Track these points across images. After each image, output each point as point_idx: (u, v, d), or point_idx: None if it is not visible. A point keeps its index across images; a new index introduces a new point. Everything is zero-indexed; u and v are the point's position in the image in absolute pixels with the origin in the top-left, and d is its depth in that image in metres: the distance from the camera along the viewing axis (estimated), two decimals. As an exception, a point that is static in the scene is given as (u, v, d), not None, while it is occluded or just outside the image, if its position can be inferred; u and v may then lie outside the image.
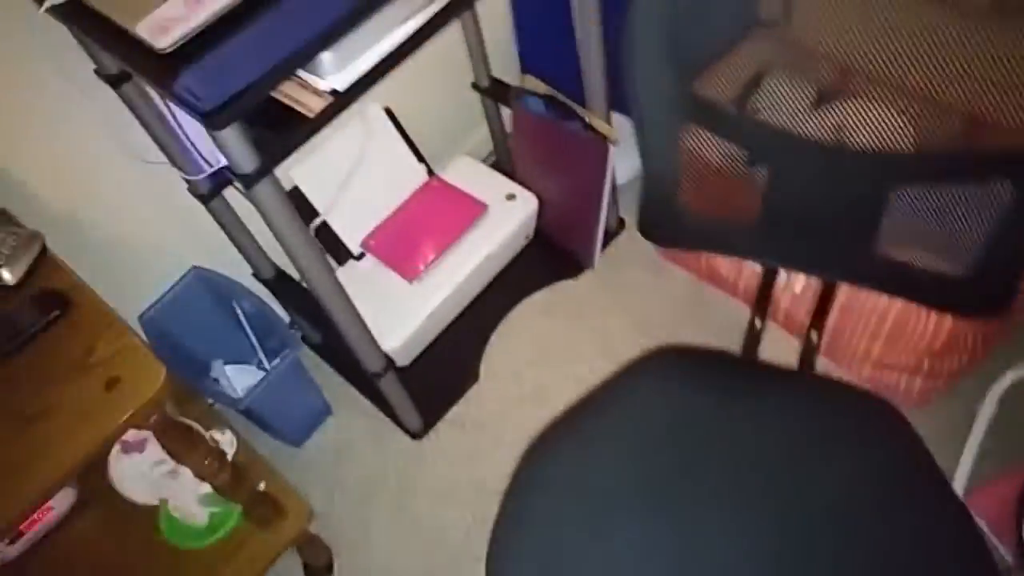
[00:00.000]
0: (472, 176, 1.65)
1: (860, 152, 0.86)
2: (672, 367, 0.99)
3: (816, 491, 0.87)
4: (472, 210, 1.57)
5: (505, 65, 1.76)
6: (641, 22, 0.80)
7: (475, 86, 1.65)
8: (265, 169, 0.93)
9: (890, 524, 0.83)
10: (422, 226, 1.57)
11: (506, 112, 1.69)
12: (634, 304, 1.66)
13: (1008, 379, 1.36)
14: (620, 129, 1.51)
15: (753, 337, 1.07)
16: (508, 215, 1.59)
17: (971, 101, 0.76)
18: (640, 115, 0.86)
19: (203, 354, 1.53)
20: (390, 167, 1.59)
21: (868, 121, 1.12)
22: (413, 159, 1.61)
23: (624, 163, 1.68)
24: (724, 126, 0.89)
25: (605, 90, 1.44)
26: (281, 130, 0.97)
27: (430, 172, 1.64)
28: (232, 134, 0.87)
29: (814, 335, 1.05)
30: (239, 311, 1.50)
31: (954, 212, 0.85)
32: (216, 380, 1.52)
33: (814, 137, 0.88)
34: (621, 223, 1.77)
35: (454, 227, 1.55)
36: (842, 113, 1.17)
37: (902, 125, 0.89)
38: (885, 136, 0.87)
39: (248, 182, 0.93)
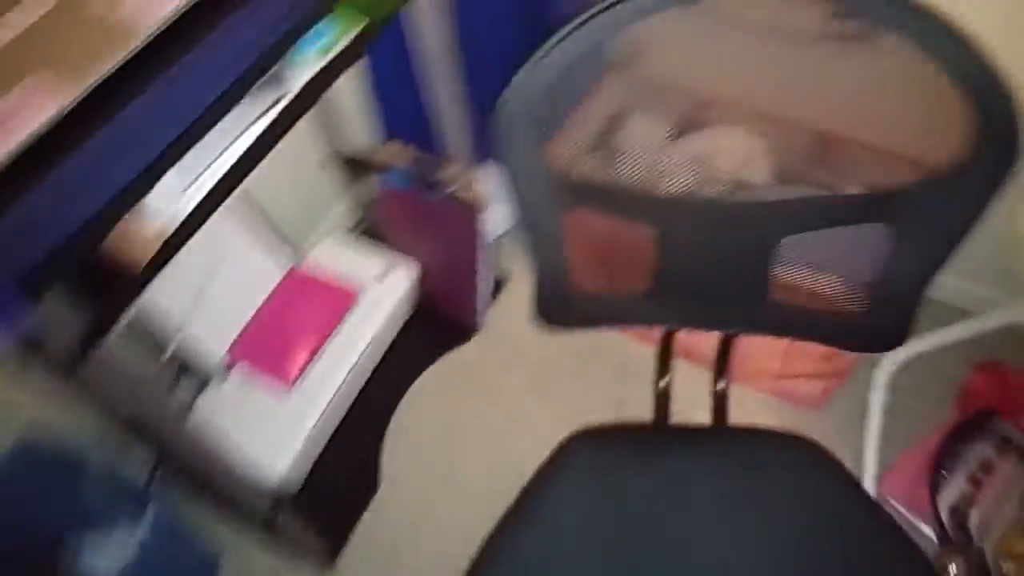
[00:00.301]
0: (341, 257, 1.55)
1: (742, 205, 0.83)
2: (585, 455, 0.94)
3: (755, 542, 0.85)
4: (343, 299, 1.47)
5: (368, 131, 1.67)
6: (511, 120, 0.73)
7: (332, 163, 1.55)
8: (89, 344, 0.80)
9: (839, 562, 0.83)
10: (292, 324, 1.45)
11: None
12: (530, 358, 1.61)
13: (888, 363, 1.40)
14: (489, 180, 1.46)
15: (662, 398, 1.03)
16: (384, 294, 1.50)
17: (819, 119, 0.79)
18: (521, 209, 0.80)
19: (53, 529, 1.32)
20: (247, 262, 1.46)
21: (726, 147, 1.11)
22: (272, 250, 1.48)
23: (503, 217, 1.64)
24: (605, 201, 0.84)
25: (469, 149, 1.38)
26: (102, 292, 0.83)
27: (294, 261, 1.52)
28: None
29: (720, 385, 1.03)
30: (86, 473, 1.31)
31: (840, 255, 0.85)
32: (75, 555, 1.32)
33: (697, 195, 0.85)
34: (504, 278, 1.71)
35: (327, 320, 1.45)
36: (701, 143, 1.16)
37: (759, 147, 0.89)
38: (743, 161, 0.86)
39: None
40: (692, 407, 1.05)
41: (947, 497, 1.28)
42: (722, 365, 1.03)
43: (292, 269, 1.52)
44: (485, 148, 1.48)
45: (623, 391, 1.52)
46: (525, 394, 1.56)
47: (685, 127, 1.15)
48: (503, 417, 1.54)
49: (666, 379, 1.03)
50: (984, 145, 0.68)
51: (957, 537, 1.25)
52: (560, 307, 0.90)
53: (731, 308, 0.92)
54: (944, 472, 1.30)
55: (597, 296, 0.91)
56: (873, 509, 0.88)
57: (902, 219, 0.77)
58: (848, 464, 1.40)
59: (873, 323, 0.84)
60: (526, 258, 0.85)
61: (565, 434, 1.48)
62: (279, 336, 1.44)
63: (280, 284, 1.50)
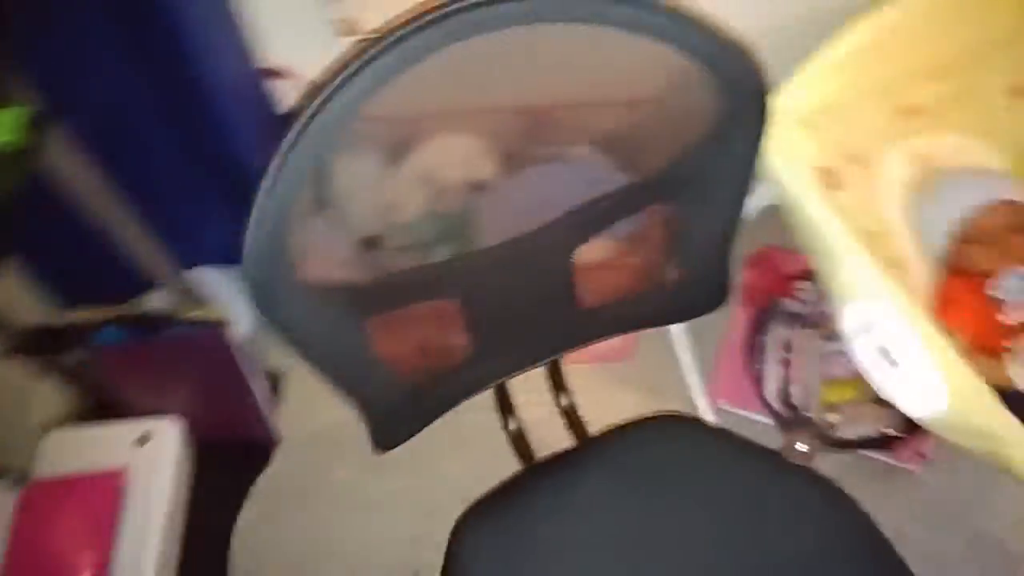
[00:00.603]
0: (80, 446, 1.28)
1: (527, 237, 0.78)
2: (488, 526, 0.85)
3: (702, 530, 0.83)
4: (110, 483, 1.23)
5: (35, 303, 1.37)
6: (265, 280, 0.60)
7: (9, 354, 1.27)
8: None
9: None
10: (60, 542, 1.19)
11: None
12: (349, 443, 1.47)
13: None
14: (211, 284, 1.28)
15: (519, 441, 0.97)
16: (155, 456, 1.28)
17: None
18: (321, 362, 0.68)
19: None
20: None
21: (445, 156, 1.07)
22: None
23: (247, 306, 1.45)
24: (393, 296, 0.74)
25: (167, 270, 1.20)
26: None
27: (22, 479, 1.24)
28: None
29: (565, 402, 0.99)
30: None
31: (635, 242, 0.83)
32: None
33: (480, 248, 0.78)
34: (278, 374, 1.53)
35: (103, 514, 1.20)
36: (419, 162, 1.10)
37: (476, 144, 0.86)
38: (467, 162, 0.84)
39: None
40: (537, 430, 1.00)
41: (769, 385, 1.38)
42: (558, 382, 1.00)
43: (28, 487, 1.24)
44: (182, 257, 1.30)
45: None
46: (364, 478, 1.44)
47: (398, 152, 1.08)
48: (357, 508, 1.41)
49: (514, 422, 0.97)
50: (736, 106, 0.68)
51: (790, 415, 1.36)
52: (396, 425, 0.80)
53: (550, 335, 0.88)
54: (757, 365, 1.40)
55: (422, 389, 0.82)
56: (761, 453, 0.90)
57: (683, 193, 0.76)
58: (679, 393, 1.48)
59: (692, 289, 0.85)
60: (347, 400, 0.74)
61: (432, 499, 1.40)
62: (52, 564, 1.18)
63: (20, 511, 1.21)
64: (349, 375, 0.71)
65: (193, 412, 1.34)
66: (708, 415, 1.41)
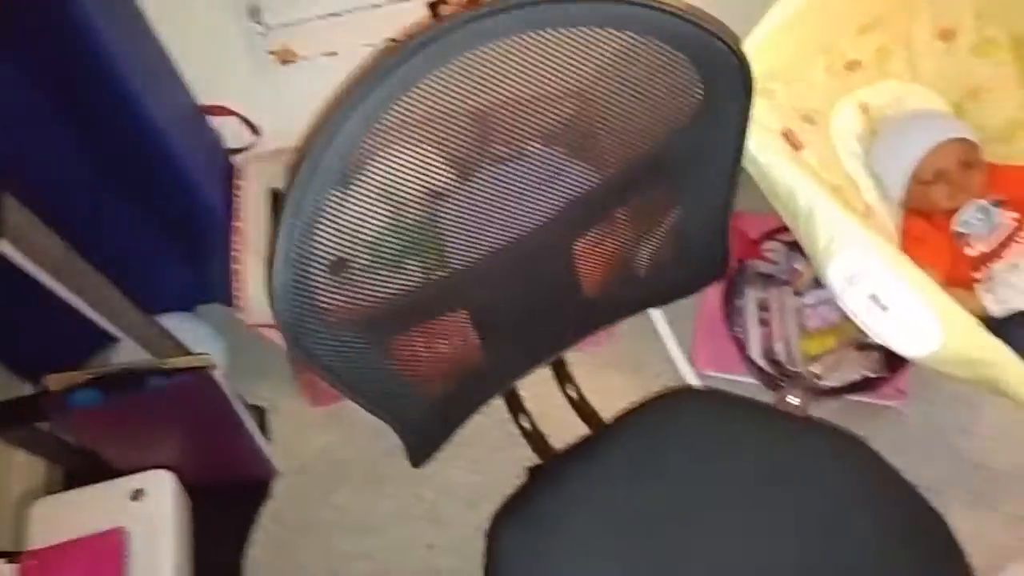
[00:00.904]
0: (71, 508, 1.24)
1: (527, 237, 0.78)
2: (516, 528, 0.85)
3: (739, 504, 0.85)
4: (111, 541, 1.19)
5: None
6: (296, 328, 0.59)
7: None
8: None
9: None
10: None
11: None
12: (350, 466, 1.46)
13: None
14: (177, 329, 1.26)
15: (535, 437, 0.98)
16: (152, 507, 1.23)
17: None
18: (355, 390, 0.67)
19: None
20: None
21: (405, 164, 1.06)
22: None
23: (215, 346, 1.44)
24: (407, 316, 0.74)
25: (146, 321, 1.16)
26: None
27: (12, 555, 1.19)
28: None
29: (572, 393, 1.00)
30: None
31: (632, 226, 0.84)
32: None
33: (479, 256, 0.78)
34: (263, 408, 1.50)
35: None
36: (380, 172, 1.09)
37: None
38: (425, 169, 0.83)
39: None
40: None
41: (752, 347, 1.42)
42: (564, 374, 1.01)
43: (26, 559, 1.19)
44: (152, 301, 1.26)
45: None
46: (366, 497, 1.42)
47: (353, 170, 1.07)
48: (365, 528, 1.39)
49: (528, 418, 0.98)
50: (716, 85, 0.70)
51: (777, 372, 1.40)
52: (428, 438, 0.80)
53: (559, 330, 0.89)
54: (737, 329, 1.43)
55: (447, 400, 0.81)
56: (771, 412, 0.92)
57: (674, 175, 0.77)
58: (664, 367, 1.51)
59: (691, 264, 0.86)
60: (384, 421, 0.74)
61: (438, 507, 1.39)
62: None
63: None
64: (381, 398, 0.71)
65: (186, 459, 1.30)
66: (694, 383, 1.44)
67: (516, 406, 0.97)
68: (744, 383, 1.45)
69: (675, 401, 0.94)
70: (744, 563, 0.81)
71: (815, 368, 1.41)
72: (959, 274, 1.13)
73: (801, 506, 0.84)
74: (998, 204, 1.14)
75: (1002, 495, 1.39)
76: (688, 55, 0.69)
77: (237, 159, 1.39)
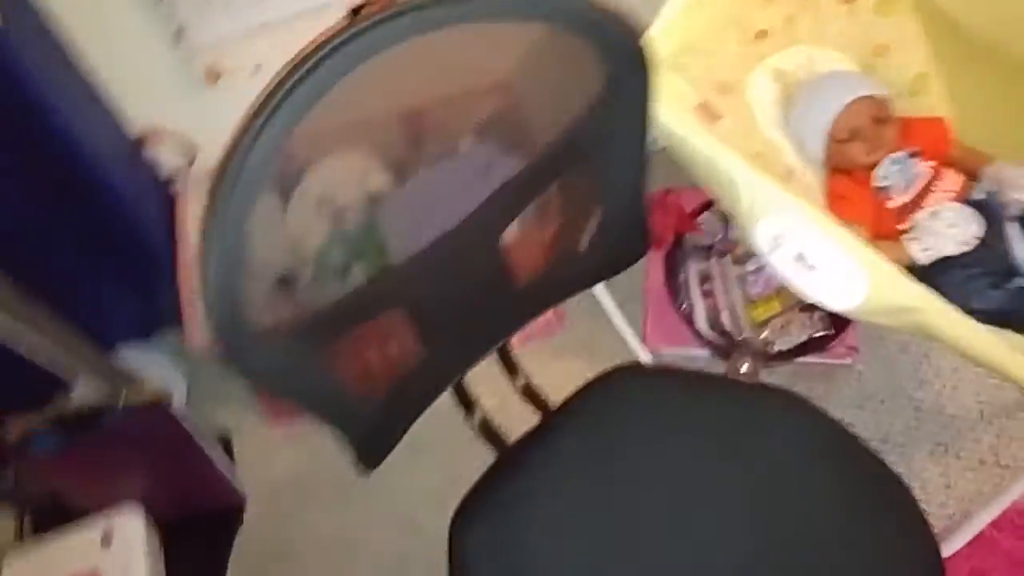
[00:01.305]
0: (42, 562, 1.23)
1: (453, 232, 0.80)
2: (481, 517, 0.86)
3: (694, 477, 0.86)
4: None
5: None
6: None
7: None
8: None
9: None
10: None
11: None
12: (319, 483, 1.46)
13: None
14: (134, 361, 1.27)
15: (486, 428, 0.99)
16: (124, 551, 1.23)
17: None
18: (288, 389, 0.68)
19: None
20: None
21: (338, 175, 1.07)
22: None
23: (173, 374, 1.45)
24: (348, 316, 0.75)
25: (98, 358, 1.16)
26: None
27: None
28: None
29: (520, 382, 1.02)
30: None
31: (554, 210, 0.86)
32: None
33: (410, 255, 0.79)
34: (226, 436, 1.50)
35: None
36: (313, 188, 1.10)
37: (364, 157, 0.86)
38: (361, 176, 0.84)
39: None
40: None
41: (699, 319, 1.44)
42: (510, 364, 1.02)
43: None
44: (99, 340, 1.26)
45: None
46: (338, 513, 1.42)
47: (288, 183, 1.08)
48: (341, 544, 1.40)
49: (478, 413, 0.99)
50: (618, 67, 0.72)
51: (726, 342, 1.43)
52: (376, 441, 0.81)
53: (496, 321, 0.90)
54: (683, 303, 1.46)
55: (392, 401, 0.83)
56: (716, 381, 0.94)
57: (590, 157, 0.79)
58: (617, 349, 1.53)
59: (616, 243, 0.88)
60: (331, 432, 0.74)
61: (412, 514, 1.40)
62: None
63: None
64: (323, 404, 0.72)
65: (154, 494, 1.29)
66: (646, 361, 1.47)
67: (466, 402, 0.99)
68: (698, 356, 1.48)
69: (616, 378, 0.96)
70: (701, 528, 0.83)
71: (765, 333, 1.44)
72: (885, 227, 1.17)
73: (750, 468, 0.86)
74: (914, 155, 1.17)
75: (964, 441, 1.42)
76: (591, 41, 0.71)
77: (177, 183, 1.39)
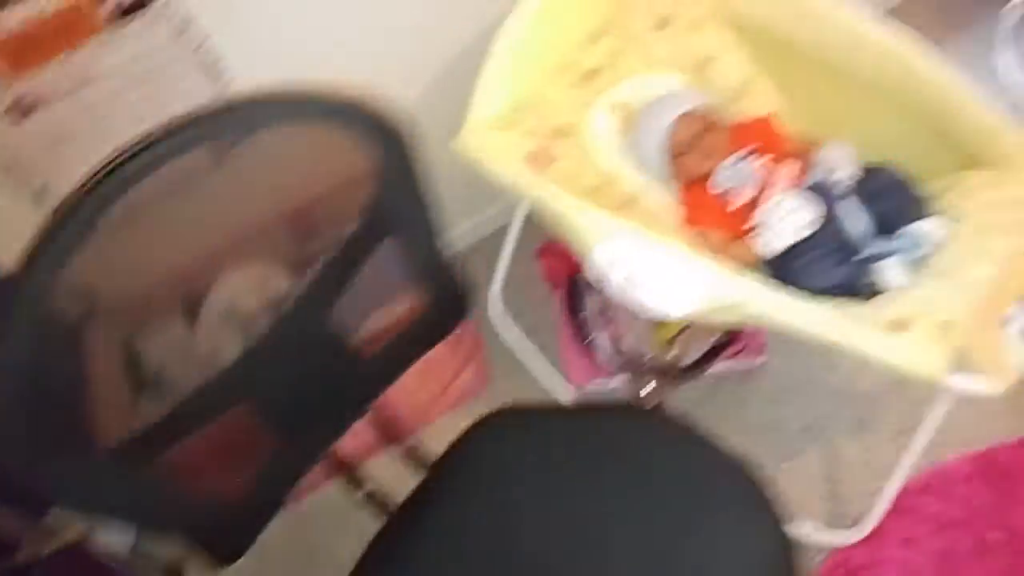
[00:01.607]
0: None
1: (281, 322, 0.84)
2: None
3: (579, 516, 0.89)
4: None
5: None
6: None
7: None
8: None
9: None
10: None
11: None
12: None
13: (494, 310, 1.55)
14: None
15: (374, 499, 1.02)
16: None
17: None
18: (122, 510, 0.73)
19: None
20: None
21: (237, 286, 1.11)
22: None
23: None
24: (187, 421, 0.80)
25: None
26: None
27: None
28: None
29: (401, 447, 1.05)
30: None
31: (378, 285, 0.91)
32: None
33: (241, 353, 0.84)
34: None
35: None
36: (215, 304, 1.14)
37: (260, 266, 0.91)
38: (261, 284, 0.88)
39: None
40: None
41: (602, 350, 1.48)
42: (388, 430, 1.06)
43: None
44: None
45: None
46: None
47: (189, 306, 1.13)
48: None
49: (364, 488, 1.02)
50: (388, 152, 0.79)
51: (634, 366, 1.46)
52: (231, 537, 0.84)
53: (346, 399, 0.94)
54: (589, 338, 1.49)
55: (248, 495, 0.86)
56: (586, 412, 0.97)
57: (390, 231, 0.85)
58: (545, 395, 1.56)
59: (436, 309, 0.93)
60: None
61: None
62: None
63: None
64: (164, 518, 0.76)
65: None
66: (567, 400, 1.49)
67: (350, 473, 1.02)
68: (617, 386, 1.50)
69: (489, 425, 0.99)
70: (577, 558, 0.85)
71: (674, 351, 1.47)
72: (736, 228, 1.21)
73: (613, 488, 0.88)
74: (751, 155, 1.23)
75: (880, 415, 1.44)
76: (359, 132, 0.77)
77: None
